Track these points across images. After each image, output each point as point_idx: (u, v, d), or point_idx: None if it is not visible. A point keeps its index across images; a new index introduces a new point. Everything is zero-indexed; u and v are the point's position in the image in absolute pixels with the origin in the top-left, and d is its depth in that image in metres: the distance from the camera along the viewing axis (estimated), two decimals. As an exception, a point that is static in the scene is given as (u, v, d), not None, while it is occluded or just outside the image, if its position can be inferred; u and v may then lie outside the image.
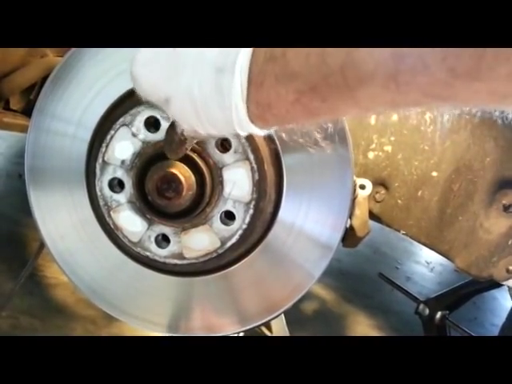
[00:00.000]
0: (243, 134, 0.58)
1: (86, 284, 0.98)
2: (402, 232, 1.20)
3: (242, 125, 0.56)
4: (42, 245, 1.03)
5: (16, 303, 1.46)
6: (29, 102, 1.34)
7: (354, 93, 0.48)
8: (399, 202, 1.18)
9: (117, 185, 0.89)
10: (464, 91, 0.44)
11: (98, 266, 0.97)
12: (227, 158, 0.84)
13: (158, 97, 0.61)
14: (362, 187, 1.09)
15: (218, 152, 0.84)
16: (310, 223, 0.88)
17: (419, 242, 1.20)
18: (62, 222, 0.97)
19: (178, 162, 0.81)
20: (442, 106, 0.52)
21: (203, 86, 0.56)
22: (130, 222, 0.89)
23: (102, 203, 0.90)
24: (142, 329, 1.26)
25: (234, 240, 0.86)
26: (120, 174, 0.88)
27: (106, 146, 0.87)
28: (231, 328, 0.95)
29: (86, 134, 0.91)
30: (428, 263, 3.02)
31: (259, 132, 0.58)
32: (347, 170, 0.88)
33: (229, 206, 0.85)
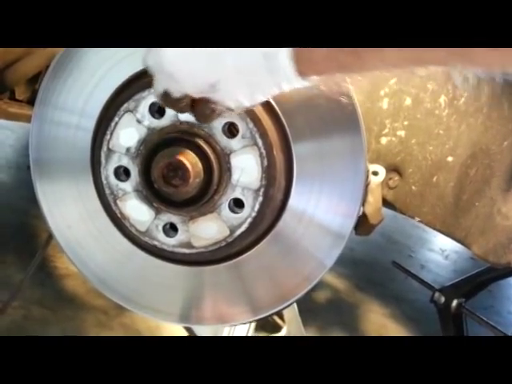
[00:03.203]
0: (287, 88, 0.67)
1: (95, 274, 0.97)
2: (417, 219, 1.18)
3: (288, 80, 0.66)
4: (51, 236, 1.03)
5: (27, 294, 1.46)
6: (34, 91, 1.33)
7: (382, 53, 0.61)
8: (413, 188, 1.15)
9: (122, 173, 0.88)
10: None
11: (106, 255, 0.96)
12: (235, 143, 0.81)
13: (203, 84, 0.68)
14: (375, 173, 1.06)
15: (225, 138, 0.81)
16: (321, 211, 0.86)
17: (434, 228, 1.17)
18: (68, 212, 0.96)
19: (184, 149, 0.79)
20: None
21: (251, 59, 0.65)
22: (137, 211, 0.87)
23: (107, 192, 0.88)
24: (153, 319, 1.25)
25: (243, 228, 0.84)
26: (125, 161, 0.86)
27: (111, 134, 0.85)
28: (243, 317, 0.93)
29: (90, 123, 0.89)
30: (442, 251, 2.98)
31: (302, 84, 0.67)
32: (360, 155, 0.85)
33: (237, 194, 0.83)
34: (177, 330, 1.53)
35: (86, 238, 0.96)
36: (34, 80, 1.32)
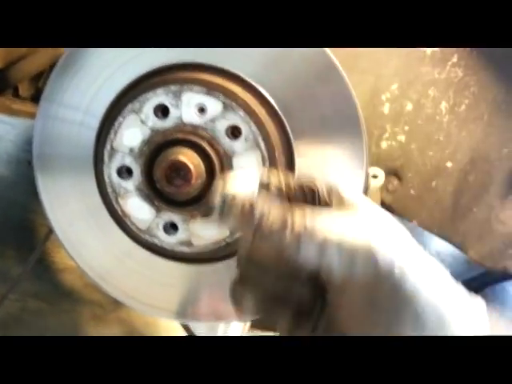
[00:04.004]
0: None
1: (95, 270, 0.98)
2: (415, 223, 1.19)
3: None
4: (50, 231, 1.03)
5: (25, 287, 1.46)
6: (37, 89, 1.33)
7: None
8: (412, 192, 1.16)
9: (125, 172, 0.88)
10: None
11: (106, 252, 0.96)
12: (237, 145, 0.82)
13: None
14: (375, 177, 1.07)
15: (228, 140, 0.82)
16: None
17: (432, 232, 1.19)
18: (70, 208, 0.96)
19: (187, 150, 0.80)
20: None
21: None
22: (138, 209, 0.88)
23: (109, 190, 0.89)
24: (149, 315, 1.26)
25: (243, 230, 0.85)
26: (128, 161, 0.86)
27: (115, 133, 0.85)
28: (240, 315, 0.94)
29: (94, 121, 0.90)
30: (438, 254, 2.99)
31: None
32: (361, 159, 0.86)
33: (238, 195, 0.83)
34: (173, 326, 1.54)
35: (87, 234, 0.96)
36: (38, 78, 1.33)
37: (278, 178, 0.48)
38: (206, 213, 0.47)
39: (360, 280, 0.37)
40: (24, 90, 1.33)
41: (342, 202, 0.44)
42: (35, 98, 1.33)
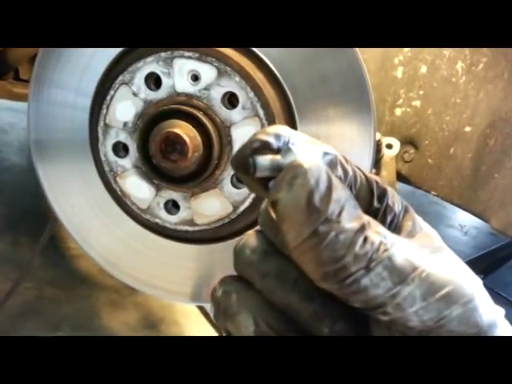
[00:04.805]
0: None
1: (100, 253, 0.96)
2: (433, 193, 1.14)
3: None
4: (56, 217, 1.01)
5: (40, 274, 1.47)
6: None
7: None
8: (429, 161, 1.10)
9: (121, 149, 0.85)
10: None
11: (110, 234, 0.94)
12: (235, 115, 0.77)
13: None
14: (389, 146, 1.02)
15: (224, 109, 0.77)
16: None
17: (451, 202, 1.13)
18: (71, 193, 0.94)
19: (182, 122, 0.76)
20: None
21: None
22: (137, 188, 0.85)
23: (107, 169, 0.86)
24: (163, 299, 1.24)
25: (246, 204, 0.81)
26: (123, 137, 0.83)
27: (107, 108, 0.82)
28: None
29: (86, 101, 0.86)
30: (462, 227, 2.91)
31: None
32: (369, 127, 0.80)
33: (239, 168, 0.79)
34: (189, 308, 1.53)
35: (90, 217, 0.94)
36: (37, 58, 1.30)
37: (347, 164, 0.31)
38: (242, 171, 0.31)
39: (449, 327, 0.29)
40: (24, 72, 1.31)
41: (415, 230, 0.32)
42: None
